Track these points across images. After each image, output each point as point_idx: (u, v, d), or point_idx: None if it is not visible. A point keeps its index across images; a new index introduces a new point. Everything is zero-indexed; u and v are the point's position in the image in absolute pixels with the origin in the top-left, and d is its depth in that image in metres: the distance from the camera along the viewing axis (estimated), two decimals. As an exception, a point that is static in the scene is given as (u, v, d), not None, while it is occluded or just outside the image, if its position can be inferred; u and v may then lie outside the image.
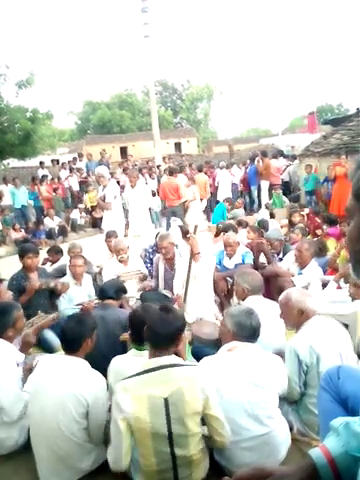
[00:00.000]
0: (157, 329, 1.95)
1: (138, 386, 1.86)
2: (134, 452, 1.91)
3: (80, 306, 3.85)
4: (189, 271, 3.90)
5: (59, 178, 12.83)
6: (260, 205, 10.56)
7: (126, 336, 2.79)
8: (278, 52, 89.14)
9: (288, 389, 2.40)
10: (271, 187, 10.73)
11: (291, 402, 2.49)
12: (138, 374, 1.91)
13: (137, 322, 2.36)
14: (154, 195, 10.88)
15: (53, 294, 4.15)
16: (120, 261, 4.69)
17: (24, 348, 2.93)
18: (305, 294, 2.69)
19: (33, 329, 3.12)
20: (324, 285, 4.24)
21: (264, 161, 10.83)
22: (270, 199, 10.24)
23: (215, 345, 3.00)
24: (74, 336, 2.29)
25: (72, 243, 5.50)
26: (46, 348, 3.65)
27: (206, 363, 2.26)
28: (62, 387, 2.13)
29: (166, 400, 1.83)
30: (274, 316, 2.96)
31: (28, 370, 2.61)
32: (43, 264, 5.35)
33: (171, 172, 9.13)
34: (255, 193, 11.19)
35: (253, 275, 3.19)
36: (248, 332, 2.28)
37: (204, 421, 1.98)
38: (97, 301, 3.75)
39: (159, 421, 1.82)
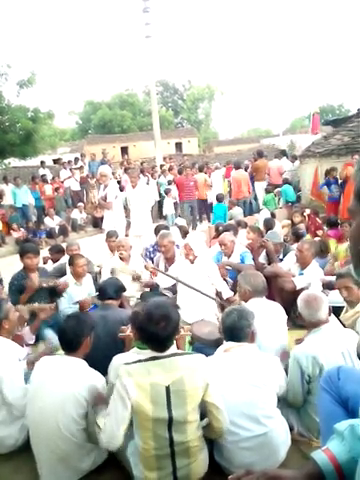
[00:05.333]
0: (155, 334, 1.93)
1: (141, 372, 1.89)
2: (134, 437, 1.95)
3: (77, 303, 3.85)
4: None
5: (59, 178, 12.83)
6: (259, 206, 10.51)
7: (126, 332, 2.78)
8: (279, 52, 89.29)
9: (292, 396, 2.41)
10: (272, 188, 10.66)
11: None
12: (141, 360, 1.95)
13: (139, 322, 2.34)
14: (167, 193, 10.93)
15: (53, 293, 4.14)
16: (120, 258, 4.68)
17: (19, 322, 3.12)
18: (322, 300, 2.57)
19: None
20: (325, 285, 4.22)
21: (254, 163, 10.74)
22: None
23: (215, 345, 3.00)
24: (73, 335, 2.28)
25: (70, 242, 5.55)
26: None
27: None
28: (61, 388, 2.13)
29: (167, 388, 1.87)
30: (276, 318, 2.95)
31: (32, 364, 2.58)
32: (44, 263, 5.35)
33: (237, 166, 10.29)
34: (253, 194, 11.11)
35: (255, 277, 3.15)
36: (222, 329, 2.38)
37: (203, 413, 2.01)
38: (94, 298, 3.76)
39: (160, 408, 1.86)
